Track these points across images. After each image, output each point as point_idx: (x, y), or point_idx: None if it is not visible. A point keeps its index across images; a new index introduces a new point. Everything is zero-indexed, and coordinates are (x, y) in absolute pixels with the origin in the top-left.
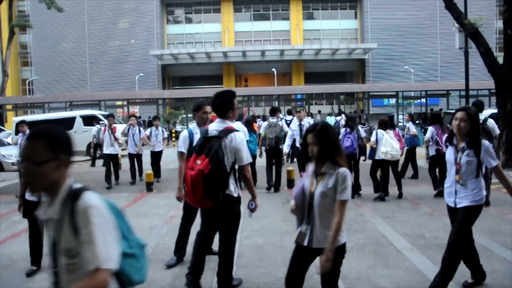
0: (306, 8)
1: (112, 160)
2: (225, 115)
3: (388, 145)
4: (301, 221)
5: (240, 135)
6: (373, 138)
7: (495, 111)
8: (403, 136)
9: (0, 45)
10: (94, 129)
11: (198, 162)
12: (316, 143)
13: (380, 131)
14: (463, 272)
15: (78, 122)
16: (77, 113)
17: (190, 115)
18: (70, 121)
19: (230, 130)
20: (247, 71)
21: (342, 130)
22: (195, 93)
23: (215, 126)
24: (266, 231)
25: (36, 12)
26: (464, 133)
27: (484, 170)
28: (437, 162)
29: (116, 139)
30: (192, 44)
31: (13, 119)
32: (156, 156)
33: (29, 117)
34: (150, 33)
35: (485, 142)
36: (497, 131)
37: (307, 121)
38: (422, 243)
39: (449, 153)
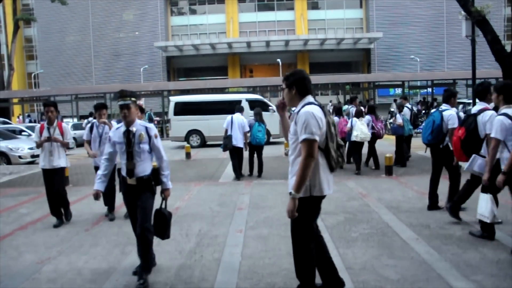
0: None
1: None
2: (484, 98)
3: (359, 130)
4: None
5: (488, 113)
6: (349, 124)
7: None
8: (391, 123)
9: (5, 39)
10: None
11: (460, 131)
12: None
13: (355, 119)
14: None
15: (244, 105)
16: (243, 96)
17: None
18: (235, 104)
19: (484, 109)
20: (252, 62)
21: None
22: (200, 85)
23: (476, 107)
24: (271, 222)
25: (40, 6)
26: None
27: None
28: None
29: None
30: (196, 35)
31: (170, 98)
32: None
33: (193, 98)
34: (154, 25)
35: None
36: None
37: (143, 124)
38: (427, 233)
39: None
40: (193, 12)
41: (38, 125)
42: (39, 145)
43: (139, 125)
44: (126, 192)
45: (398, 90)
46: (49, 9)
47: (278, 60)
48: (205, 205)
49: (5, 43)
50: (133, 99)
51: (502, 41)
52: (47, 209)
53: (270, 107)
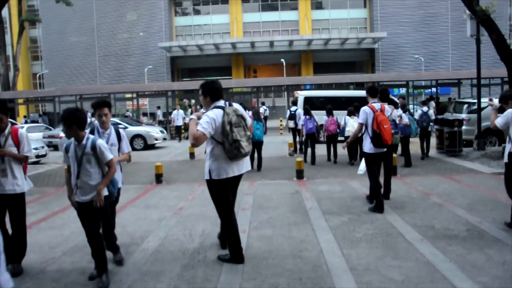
0: None
1: None
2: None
3: (350, 126)
4: None
5: None
6: (342, 122)
7: None
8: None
9: (10, 39)
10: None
11: None
12: None
13: (348, 117)
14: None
15: None
16: (362, 93)
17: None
18: (359, 100)
19: None
20: (256, 62)
21: (303, 117)
22: None
23: None
24: (274, 222)
25: (45, 6)
26: None
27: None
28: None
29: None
30: (200, 35)
31: (299, 92)
32: None
33: (325, 93)
34: (158, 26)
35: None
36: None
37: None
38: (432, 234)
39: None
40: (197, 12)
41: None
42: None
43: None
44: None
45: (403, 90)
46: (54, 10)
47: (282, 60)
48: (209, 205)
49: (10, 44)
50: None
51: (507, 40)
52: (52, 209)
53: (404, 104)
